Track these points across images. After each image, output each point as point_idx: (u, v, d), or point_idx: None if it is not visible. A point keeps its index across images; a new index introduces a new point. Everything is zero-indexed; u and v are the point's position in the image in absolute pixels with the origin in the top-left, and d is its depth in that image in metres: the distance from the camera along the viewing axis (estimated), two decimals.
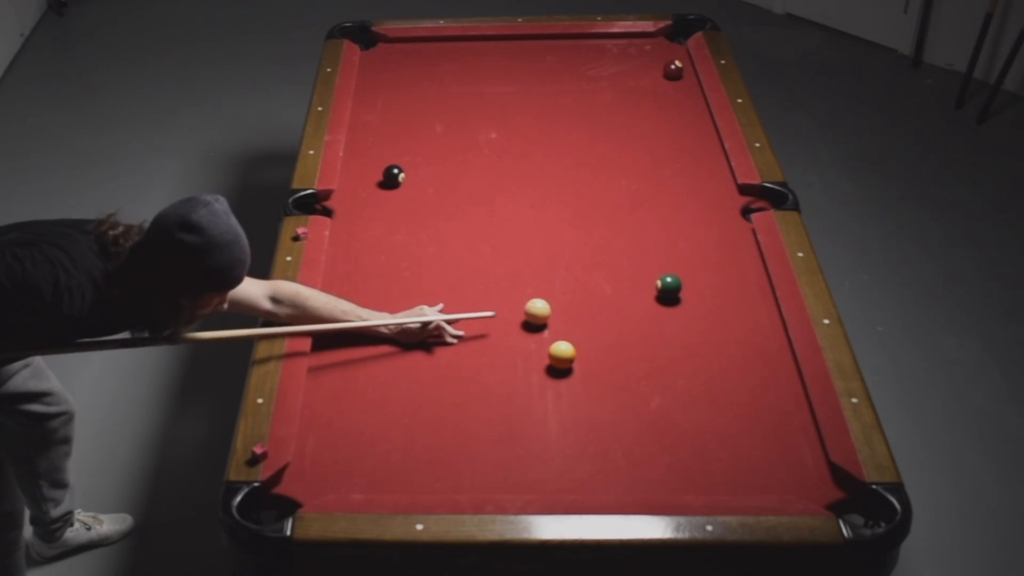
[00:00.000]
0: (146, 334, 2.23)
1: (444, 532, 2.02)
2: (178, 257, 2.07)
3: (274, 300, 2.44)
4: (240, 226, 2.14)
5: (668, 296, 2.62)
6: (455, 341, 2.51)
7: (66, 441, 2.74)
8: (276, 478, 2.15)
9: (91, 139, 4.73)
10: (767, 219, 2.86)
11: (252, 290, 2.40)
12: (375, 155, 3.15)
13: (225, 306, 2.26)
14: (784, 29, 5.56)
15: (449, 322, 2.52)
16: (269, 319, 2.47)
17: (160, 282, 2.11)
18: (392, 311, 2.54)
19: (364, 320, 2.48)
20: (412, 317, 2.50)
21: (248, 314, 2.45)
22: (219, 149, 4.64)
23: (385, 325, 2.49)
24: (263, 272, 2.69)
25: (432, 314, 2.51)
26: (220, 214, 2.09)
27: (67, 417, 2.70)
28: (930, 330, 3.68)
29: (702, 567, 2.06)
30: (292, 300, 2.45)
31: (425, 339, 2.50)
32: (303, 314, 2.46)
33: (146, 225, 2.16)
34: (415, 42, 3.78)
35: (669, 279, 2.60)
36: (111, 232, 2.16)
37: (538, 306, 2.53)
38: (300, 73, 4.32)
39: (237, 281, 2.17)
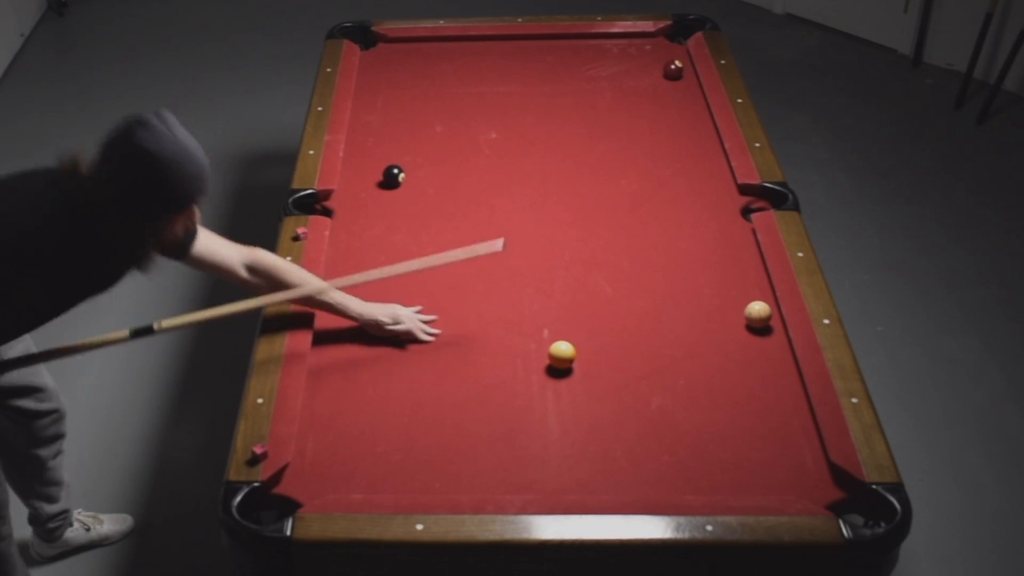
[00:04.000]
0: (123, 268, 2.16)
1: (444, 532, 2.02)
2: (129, 187, 2.01)
3: (250, 269, 2.44)
4: (190, 138, 2.07)
5: None
6: (431, 339, 2.52)
7: (57, 438, 2.73)
8: (276, 478, 2.15)
9: (91, 139, 4.71)
10: (767, 219, 2.86)
11: (230, 254, 2.41)
12: (375, 155, 3.15)
13: (197, 224, 2.21)
14: (784, 29, 5.56)
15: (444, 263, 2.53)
16: (243, 287, 2.47)
17: (119, 213, 2.04)
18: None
19: (338, 302, 2.49)
20: (386, 313, 2.51)
21: (223, 278, 2.45)
22: (219, 149, 4.63)
23: (360, 316, 2.51)
24: None
25: (406, 316, 2.52)
26: (164, 134, 2.02)
27: (58, 415, 2.70)
28: (930, 330, 3.68)
29: (702, 567, 2.06)
30: (268, 271, 2.45)
31: (395, 335, 2.52)
32: (278, 288, 2.45)
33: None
34: (415, 42, 3.78)
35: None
36: (68, 172, 2.09)
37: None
38: (300, 73, 4.32)
39: (197, 195, 2.09)
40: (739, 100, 3.34)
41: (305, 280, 2.48)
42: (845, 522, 2.02)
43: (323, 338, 2.51)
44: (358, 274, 2.54)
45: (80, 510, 2.96)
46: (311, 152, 3.11)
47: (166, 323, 2.34)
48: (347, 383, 2.41)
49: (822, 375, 2.36)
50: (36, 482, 2.76)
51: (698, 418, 2.31)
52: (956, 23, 5.00)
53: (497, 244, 2.55)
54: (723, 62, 3.55)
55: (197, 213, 2.16)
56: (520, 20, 3.88)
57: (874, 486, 2.10)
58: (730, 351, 2.48)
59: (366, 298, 2.54)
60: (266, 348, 2.45)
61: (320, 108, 3.32)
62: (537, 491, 2.14)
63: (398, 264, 2.56)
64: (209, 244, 2.36)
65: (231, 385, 2.63)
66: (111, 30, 5.63)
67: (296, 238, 2.78)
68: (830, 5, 5.47)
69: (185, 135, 2.06)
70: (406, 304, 2.58)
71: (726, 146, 3.15)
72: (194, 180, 2.07)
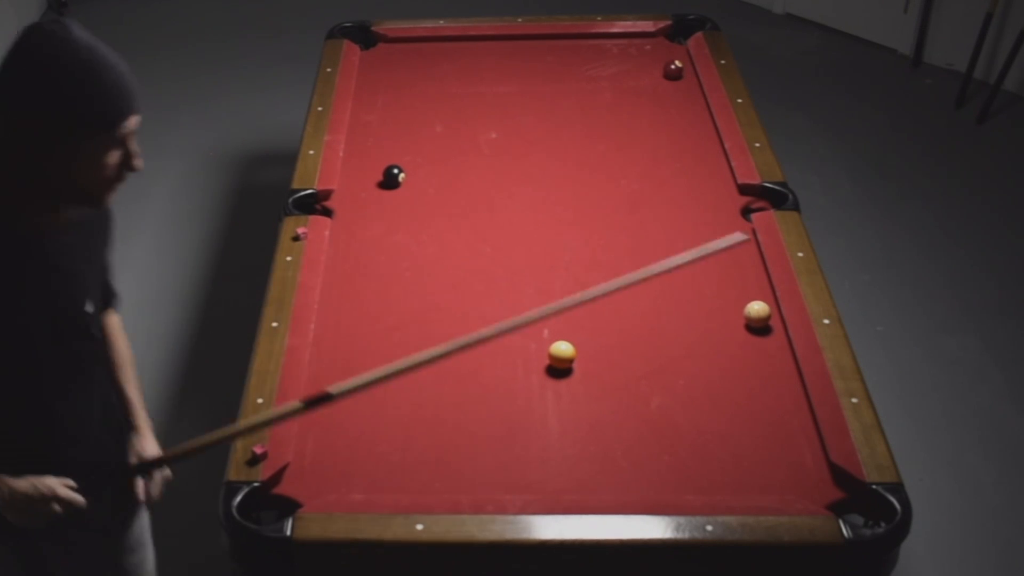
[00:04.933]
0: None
1: (444, 532, 2.02)
2: (27, 109, 1.61)
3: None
4: (95, 41, 1.66)
5: None
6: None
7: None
8: (276, 478, 2.15)
9: None
10: (767, 219, 2.86)
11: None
12: (375, 155, 3.15)
13: (138, 162, 1.73)
14: (784, 29, 5.56)
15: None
16: None
17: (16, 146, 1.63)
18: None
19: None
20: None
21: None
22: (219, 149, 4.64)
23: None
24: (263, 273, 2.70)
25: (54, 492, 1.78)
26: (61, 39, 1.64)
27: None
28: (930, 330, 3.68)
29: (702, 567, 2.06)
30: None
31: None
32: None
33: None
34: (415, 42, 3.78)
35: None
36: None
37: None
38: (300, 73, 4.32)
39: (115, 113, 1.64)
40: (739, 100, 3.33)
41: (118, 367, 2.02)
42: (845, 522, 2.02)
43: (323, 338, 2.51)
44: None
45: None
46: (311, 152, 3.11)
47: (342, 386, 1.96)
48: None
49: (822, 375, 2.36)
50: None
51: (698, 418, 2.31)
52: (956, 23, 5.00)
53: (738, 236, 2.18)
54: (723, 62, 3.54)
55: (133, 145, 1.71)
56: (520, 20, 3.88)
57: (874, 486, 2.10)
58: (730, 351, 2.48)
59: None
60: (266, 348, 2.45)
61: (320, 108, 3.32)
62: (537, 491, 2.14)
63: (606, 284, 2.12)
64: None
65: (231, 385, 2.63)
66: (111, 30, 5.59)
67: (296, 238, 2.78)
68: (830, 5, 5.47)
69: (86, 39, 1.65)
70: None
71: (726, 146, 3.14)
72: (106, 94, 1.62)
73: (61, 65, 1.61)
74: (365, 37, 3.77)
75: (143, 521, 2.20)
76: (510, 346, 2.50)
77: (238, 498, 2.08)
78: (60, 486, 1.79)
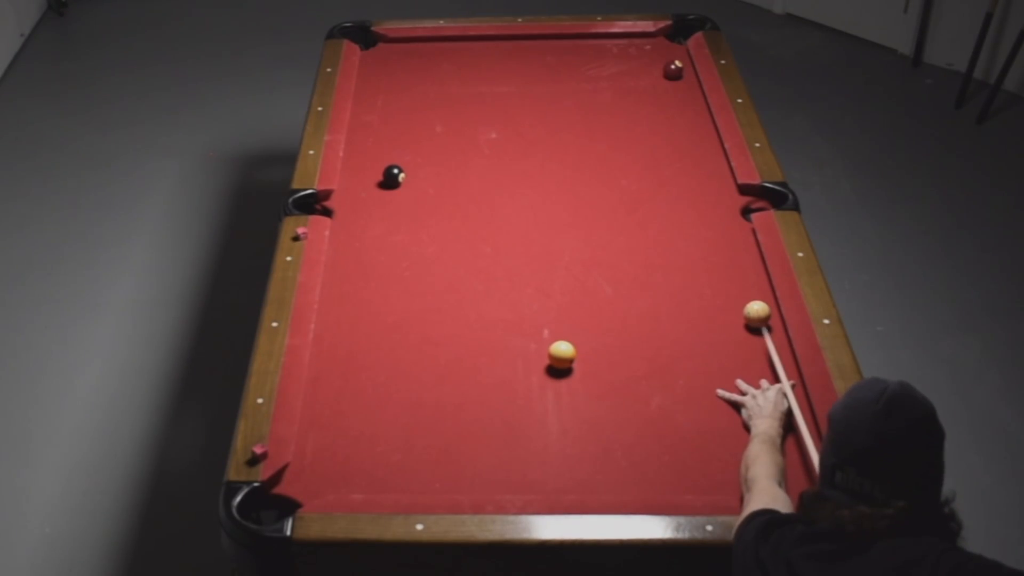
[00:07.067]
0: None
1: (444, 532, 2.02)
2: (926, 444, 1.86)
3: None
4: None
5: None
6: None
7: None
8: (276, 478, 2.15)
9: (91, 139, 4.73)
10: (767, 219, 2.86)
11: None
12: (375, 155, 3.15)
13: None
14: (784, 29, 5.56)
15: None
16: None
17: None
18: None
19: None
20: None
21: None
22: (219, 149, 4.64)
23: None
24: (263, 273, 2.70)
25: None
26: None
27: None
28: (930, 330, 3.68)
29: (702, 567, 2.06)
30: None
31: None
32: None
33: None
34: (415, 42, 3.78)
35: None
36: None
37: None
38: (300, 73, 4.32)
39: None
40: (739, 100, 3.34)
41: None
42: None
43: (323, 338, 2.52)
44: None
45: None
46: (311, 152, 3.11)
47: None
48: (347, 383, 2.41)
49: (822, 375, 2.36)
50: None
51: (698, 418, 2.31)
52: (956, 23, 5.00)
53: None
54: (723, 62, 3.54)
55: None
56: (520, 20, 3.88)
57: None
58: (730, 351, 2.48)
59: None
60: (266, 348, 2.45)
61: (320, 108, 3.32)
62: (537, 491, 2.14)
63: None
64: None
65: (231, 385, 2.63)
66: (111, 30, 5.63)
67: (296, 238, 2.78)
68: (830, 5, 5.47)
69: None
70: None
71: (726, 146, 3.14)
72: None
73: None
74: (365, 37, 3.77)
75: None
76: (510, 346, 2.51)
77: (238, 498, 2.09)
78: None
